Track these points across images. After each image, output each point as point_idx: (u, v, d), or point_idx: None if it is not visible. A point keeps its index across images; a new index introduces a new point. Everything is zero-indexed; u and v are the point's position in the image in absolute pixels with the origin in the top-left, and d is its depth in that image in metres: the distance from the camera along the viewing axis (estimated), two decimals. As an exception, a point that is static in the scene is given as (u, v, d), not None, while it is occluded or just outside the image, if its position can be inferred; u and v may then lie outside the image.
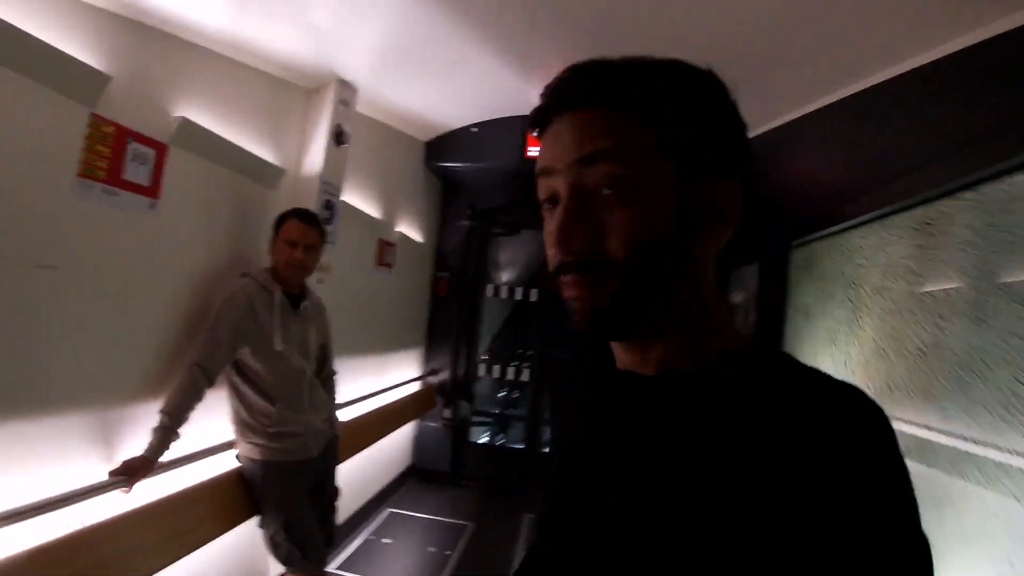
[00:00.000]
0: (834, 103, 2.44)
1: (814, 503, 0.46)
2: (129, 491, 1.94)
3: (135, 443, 2.05)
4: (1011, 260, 1.74)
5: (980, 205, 1.90)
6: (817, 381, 0.56)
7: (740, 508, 0.49)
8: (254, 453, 2.38)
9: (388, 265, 4.50)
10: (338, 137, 3.22)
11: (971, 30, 1.77)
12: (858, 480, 0.46)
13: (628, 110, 0.59)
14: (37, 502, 1.65)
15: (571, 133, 0.61)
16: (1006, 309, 1.71)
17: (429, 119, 4.37)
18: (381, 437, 4.24)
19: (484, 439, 6.05)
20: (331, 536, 2.73)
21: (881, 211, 2.52)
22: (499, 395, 6.31)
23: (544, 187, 0.64)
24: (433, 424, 5.41)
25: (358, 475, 3.99)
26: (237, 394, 2.38)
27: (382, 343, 4.54)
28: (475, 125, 4.72)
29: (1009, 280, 1.73)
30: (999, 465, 1.66)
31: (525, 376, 5.59)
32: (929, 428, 1.94)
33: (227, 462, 2.46)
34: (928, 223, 2.20)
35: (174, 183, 2.22)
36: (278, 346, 2.36)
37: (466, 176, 5.23)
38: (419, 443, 5.45)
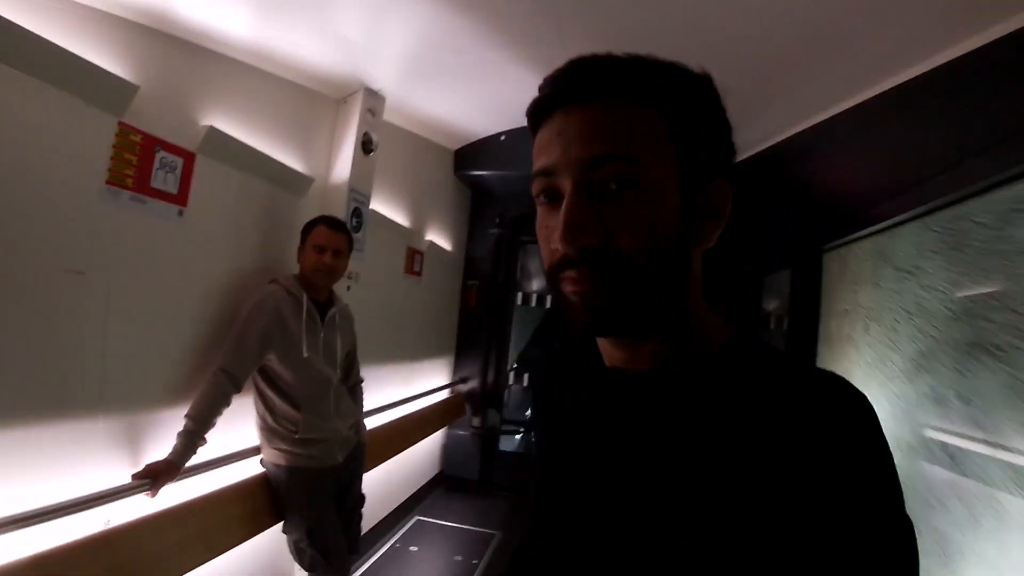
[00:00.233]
0: (863, 103, 2.39)
1: (805, 496, 0.47)
2: (154, 495, 1.96)
3: (161, 447, 2.08)
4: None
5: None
6: (804, 373, 0.56)
7: (737, 507, 0.50)
8: (279, 459, 2.39)
9: (417, 273, 4.52)
10: (366, 146, 3.25)
11: (1003, 20, 1.71)
12: (846, 469, 0.48)
13: (638, 103, 0.59)
14: (63, 502, 1.68)
15: (578, 130, 0.59)
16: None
17: (457, 127, 4.38)
18: (409, 445, 4.24)
19: (513, 448, 6.03)
20: (356, 544, 2.73)
21: (916, 211, 2.47)
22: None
23: (542, 183, 0.63)
24: (462, 432, 5.40)
25: (386, 482, 4.00)
26: (263, 400, 2.40)
27: (411, 351, 4.55)
28: (503, 133, 4.71)
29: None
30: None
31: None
32: (988, 443, 1.85)
33: (253, 467, 2.48)
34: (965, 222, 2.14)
35: (202, 191, 2.26)
36: (305, 352, 2.37)
37: (495, 184, 5.23)
38: (448, 451, 5.44)
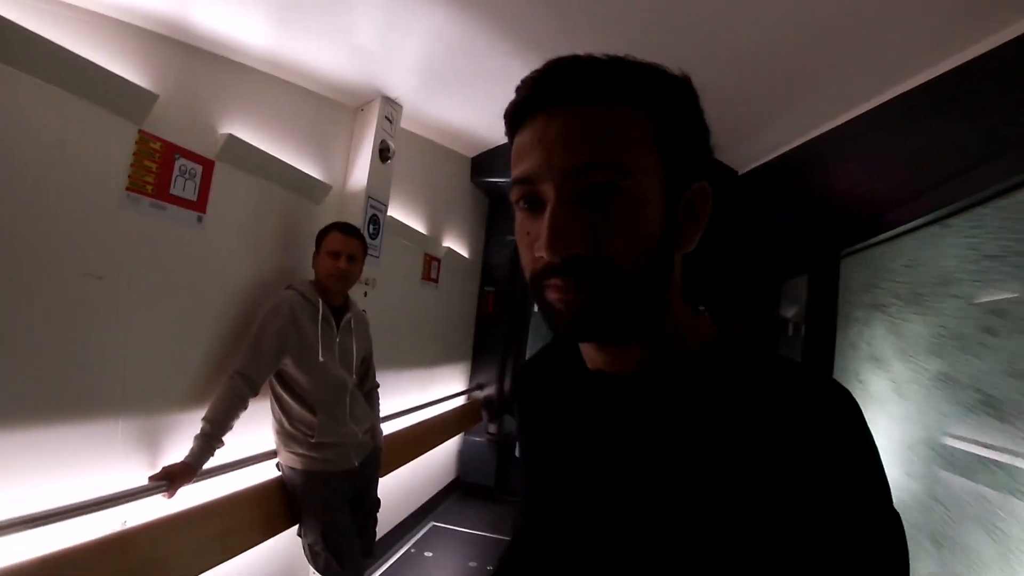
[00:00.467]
0: (880, 106, 2.38)
1: (794, 494, 0.48)
2: (171, 496, 1.99)
3: (178, 450, 2.11)
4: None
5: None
6: (789, 371, 0.56)
7: (734, 506, 0.50)
8: (295, 462, 2.41)
9: (434, 280, 4.55)
10: (383, 153, 3.28)
11: (1017, 21, 1.70)
12: (832, 466, 0.48)
13: (624, 106, 0.58)
14: (81, 502, 1.72)
15: (560, 136, 0.57)
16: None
17: (474, 135, 4.40)
18: (425, 451, 4.25)
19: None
20: (370, 547, 2.74)
21: (935, 215, 2.45)
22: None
23: (522, 189, 0.61)
24: (478, 439, 5.41)
25: (402, 488, 4.01)
26: (279, 404, 2.43)
27: (428, 357, 4.57)
28: (520, 141, 4.70)
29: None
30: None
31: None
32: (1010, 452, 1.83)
33: (269, 471, 2.51)
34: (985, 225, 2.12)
35: (220, 198, 2.30)
36: (321, 357, 2.40)
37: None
38: (464, 457, 5.45)
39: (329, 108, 3.11)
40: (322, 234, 2.54)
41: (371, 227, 3.20)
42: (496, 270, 5.65)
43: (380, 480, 2.84)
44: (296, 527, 2.48)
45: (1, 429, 1.59)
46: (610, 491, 0.61)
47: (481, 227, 5.65)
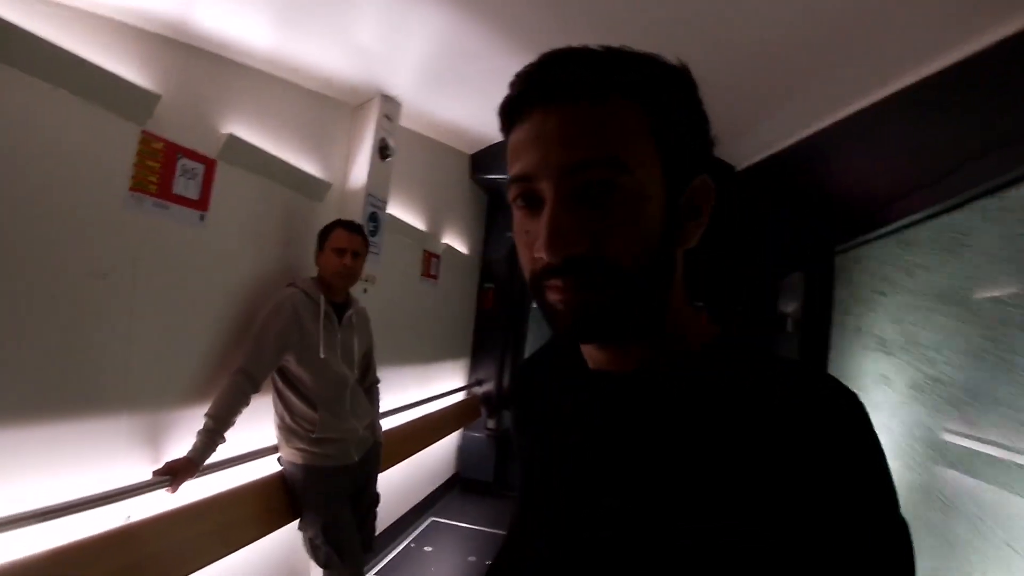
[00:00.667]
0: (874, 104, 2.38)
1: (801, 496, 0.47)
2: (174, 491, 2.02)
3: (181, 445, 2.14)
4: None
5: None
6: (793, 371, 0.55)
7: (735, 506, 0.49)
8: (296, 457, 2.44)
9: (434, 276, 4.57)
10: (383, 151, 3.30)
11: (1013, 17, 1.70)
12: (839, 469, 0.47)
13: (621, 99, 0.56)
14: (86, 497, 1.74)
15: (558, 132, 0.56)
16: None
17: (473, 132, 4.42)
18: (425, 446, 4.28)
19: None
20: (370, 542, 2.77)
21: (929, 211, 2.47)
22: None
23: (520, 187, 0.60)
24: (477, 434, 5.44)
25: (401, 483, 4.04)
26: (281, 400, 2.45)
27: (427, 353, 4.60)
28: (518, 137, 4.72)
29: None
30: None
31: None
32: (1006, 447, 1.83)
33: (270, 466, 2.54)
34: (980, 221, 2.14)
35: (222, 196, 2.32)
36: (322, 354, 2.42)
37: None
38: (463, 453, 5.48)
39: (329, 107, 3.13)
40: (326, 231, 2.55)
41: (371, 224, 3.22)
42: (495, 266, 5.66)
43: (380, 475, 2.87)
44: (297, 521, 2.51)
45: (9, 425, 1.62)
46: (609, 491, 0.60)
47: (480, 224, 5.66)
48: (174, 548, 1.98)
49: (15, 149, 1.61)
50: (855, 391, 0.52)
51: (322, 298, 2.47)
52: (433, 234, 4.51)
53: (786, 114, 3.06)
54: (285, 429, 2.45)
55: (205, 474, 2.18)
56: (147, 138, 1.98)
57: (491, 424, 5.42)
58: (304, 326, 2.39)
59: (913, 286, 2.60)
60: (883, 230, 2.95)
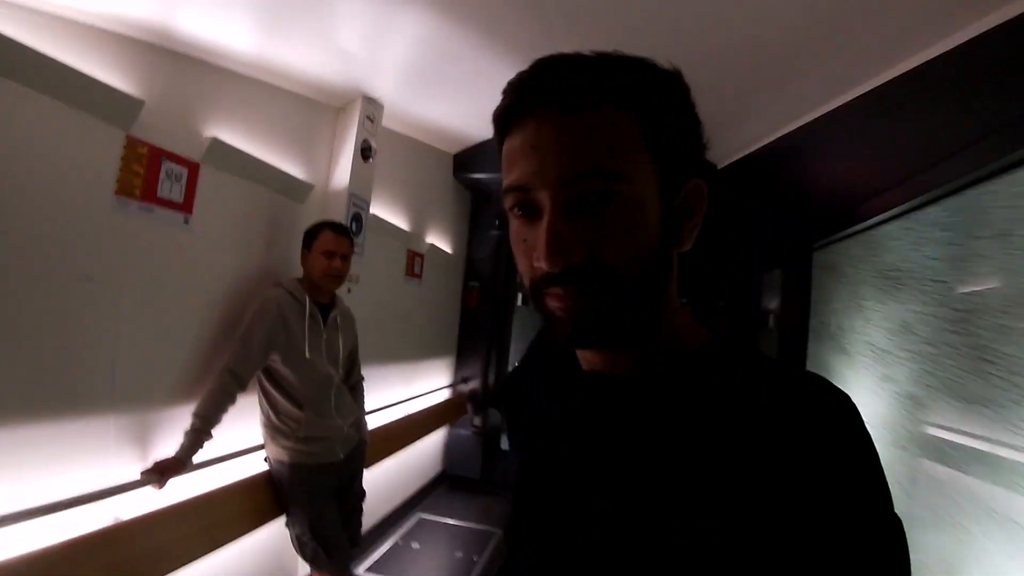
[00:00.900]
0: (850, 102, 2.42)
1: (795, 496, 0.47)
2: (161, 488, 2.04)
3: (169, 444, 2.17)
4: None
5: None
6: (787, 373, 0.56)
7: (730, 506, 0.50)
8: (282, 456, 2.47)
9: (418, 275, 4.60)
10: (364, 153, 3.33)
11: (980, 18, 1.75)
12: (833, 469, 0.48)
13: (615, 108, 0.57)
14: (74, 497, 1.77)
15: (554, 143, 0.56)
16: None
17: (456, 132, 4.44)
18: (411, 443, 4.30)
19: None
20: (356, 538, 2.80)
21: (905, 207, 2.51)
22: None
23: (517, 197, 0.60)
24: (464, 432, 5.46)
25: (389, 480, 4.08)
26: (267, 399, 2.48)
27: (412, 352, 4.62)
28: (501, 137, 4.73)
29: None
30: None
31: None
32: (984, 439, 1.87)
33: (257, 464, 2.57)
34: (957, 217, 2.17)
35: (206, 199, 2.35)
36: (307, 353, 2.45)
37: (494, 187, 5.24)
38: (450, 450, 5.50)
39: (311, 109, 3.15)
40: (312, 232, 2.56)
41: (354, 225, 3.25)
42: (479, 265, 5.68)
43: (367, 473, 2.90)
44: (284, 518, 2.54)
45: (-2, 426, 1.64)
46: (602, 495, 0.61)
47: (464, 223, 5.68)
48: (163, 546, 2.01)
49: (3, 156, 1.63)
50: (845, 391, 0.53)
51: (307, 298, 2.49)
52: (417, 234, 4.53)
53: (763, 113, 3.10)
54: (271, 428, 2.48)
55: (193, 473, 2.21)
56: (132, 142, 2.01)
57: (477, 422, 5.44)
58: (290, 326, 2.41)
59: (889, 283, 2.64)
60: (859, 227, 3.00)
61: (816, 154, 3.10)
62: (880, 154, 2.68)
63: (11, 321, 1.67)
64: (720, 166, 3.97)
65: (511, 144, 0.60)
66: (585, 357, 0.69)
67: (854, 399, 0.52)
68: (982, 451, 1.83)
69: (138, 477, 2.01)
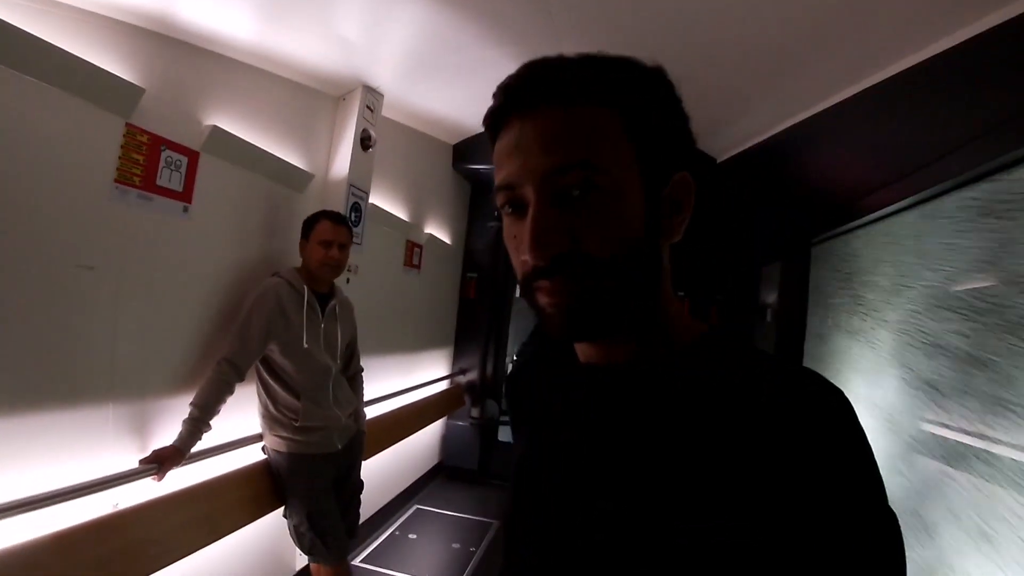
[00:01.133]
0: (850, 98, 2.42)
1: (792, 495, 0.48)
2: (160, 479, 2.04)
3: (167, 434, 2.17)
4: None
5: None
6: (782, 369, 0.57)
7: (728, 506, 0.50)
8: (280, 446, 2.47)
9: (416, 266, 4.59)
10: (364, 142, 3.32)
11: (982, 17, 1.74)
12: (828, 464, 0.49)
13: (595, 105, 0.59)
14: (73, 486, 1.77)
15: (535, 139, 0.59)
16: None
17: (455, 122, 4.43)
18: (409, 434, 4.31)
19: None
20: (354, 528, 2.80)
21: (903, 203, 2.51)
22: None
23: (506, 195, 0.62)
24: (461, 423, 5.47)
25: (386, 471, 4.09)
26: (265, 389, 2.48)
27: (411, 342, 4.62)
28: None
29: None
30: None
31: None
32: (981, 436, 1.86)
33: (255, 454, 2.57)
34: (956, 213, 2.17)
35: (206, 188, 2.34)
36: (305, 344, 2.45)
37: (493, 178, 5.25)
38: (447, 441, 5.51)
39: (311, 98, 3.14)
40: (311, 222, 2.56)
41: (353, 215, 3.25)
42: (478, 256, 5.68)
43: (365, 463, 2.91)
44: (282, 508, 2.54)
45: (-3, 415, 1.64)
46: (601, 494, 0.61)
47: (463, 213, 5.67)
48: (161, 535, 2.00)
49: (2, 144, 1.62)
50: (840, 387, 0.54)
51: (306, 288, 2.49)
52: (416, 224, 4.53)
53: (763, 108, 3.10)
54: (269, 418, 2.48)
55: (191, 462, 2.21)
56: (132, 131, 2.00)
57: (475, 413, 5.45)
58: (288, 316, 2.41)
59: (886, 278, 2.65)
60: (858, 222, 3.01)
61: (816, 149, 3.11)
62: (880, 149, 2.69)
63: (10, 310, 1.66)
64: (720, 160, 3.97)
65: (499, 145, 0.63)
66: (581, 350, 0.71)
67: (853, 394, 0.52)
68: (981, 448, 1.83)
69: (137, 466, 2.00)
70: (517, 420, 0.89)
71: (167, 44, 2.17)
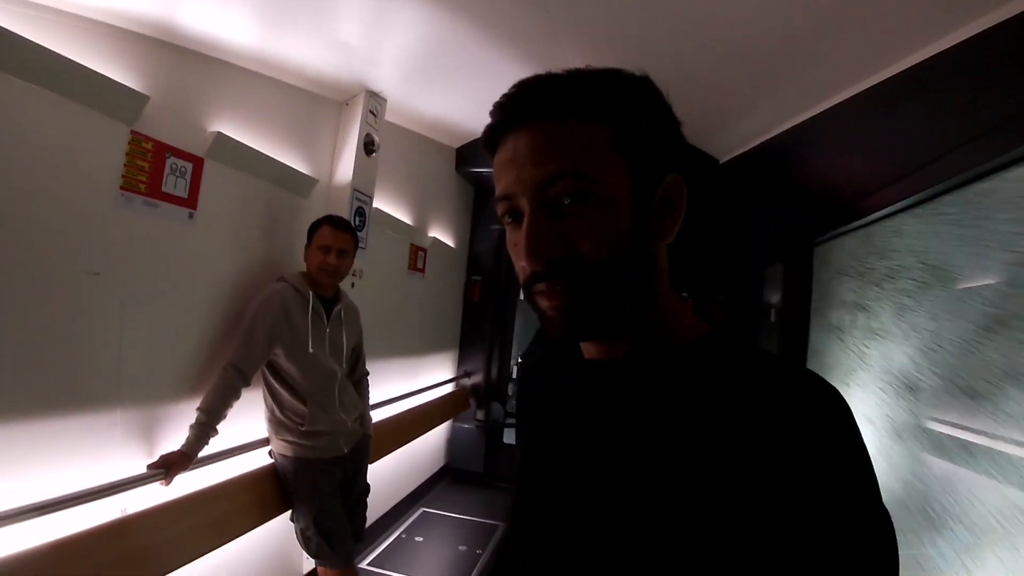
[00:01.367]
0: (851, 98, 2.41)
1: (789, 495, 0.49)
2: (168, 483, 2.05)
3: (174, 439, 2.18)
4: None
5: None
6: (780, 369, 0.58)
7: (727, 506, 0.51)
8: (286, 450, 2.48)
9: (421, 270, 4.60)
10: (368, 147, 3.33)
11: (983, 15, 1.73)
12: (823, 464, 0.50)
13: (583, 117, 0.62)
14: (82, 491, 1.78)
15: (528, 152, 0.62)
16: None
17: (458, 126, 4.44)
18: (415, 438, 4.32)
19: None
20: (360, 532, 2.81)
21: (906, 202, 2.50)
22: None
23: (505, 206, 0.66)
24: (466, 426, 5.48)
25: (392, 474, 4.10)
26: (271, 393, 2.49)
27: (416, 346, 4.63)
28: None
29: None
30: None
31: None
32: (985, 434, 1.85)
33: (262, 458, 2.58)
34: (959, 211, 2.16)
35: (211, 194, 2.35)
36: (311, 348, 2.45)
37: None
38: (453, 444, 5.52)
39: (315, 103, 3.15)
40: (313, 227, 2.57)
41: (357, 219, 3.26)
42: (482, 259, 5.69)
43: (371, 467, 2.91)
44: (289, 512, 2.55)
45: (4, 422, 1.65)
46: (601, 494, 0.62)
47: (466, 216, 5.68)
48: (169, 540, 2.02)
49: (8, 151, 1.63)
50: (836, 387, 0.55)
51: (311, 293, 2.50)
52: (420, 228, 4.54)
53: (765, 108, 3.09)
54: (275, 422, 2.49)
55: (198, 467, 2.21)
56: (137, 138, 2.01)
57: (480, 415, 5.46)
58: (293, 321, 2.42)
59: (889, 278, 2.64)
60: (860, 222, 3.00)
61: (818, 149, 3.10)
62: (882, 150, 2.68)
63: (17, 317, 1.67)
64: (722, 161, 3.97)
65: (497, 159, 0.66)
66: (585, 348, 0.73)
67: (855, 393, 0.53)
68: (983, 446, 1.83)
69: (144, 471, 2.01)
70: (520, 420, 0.90)
71: (171, 51, 2.18)
